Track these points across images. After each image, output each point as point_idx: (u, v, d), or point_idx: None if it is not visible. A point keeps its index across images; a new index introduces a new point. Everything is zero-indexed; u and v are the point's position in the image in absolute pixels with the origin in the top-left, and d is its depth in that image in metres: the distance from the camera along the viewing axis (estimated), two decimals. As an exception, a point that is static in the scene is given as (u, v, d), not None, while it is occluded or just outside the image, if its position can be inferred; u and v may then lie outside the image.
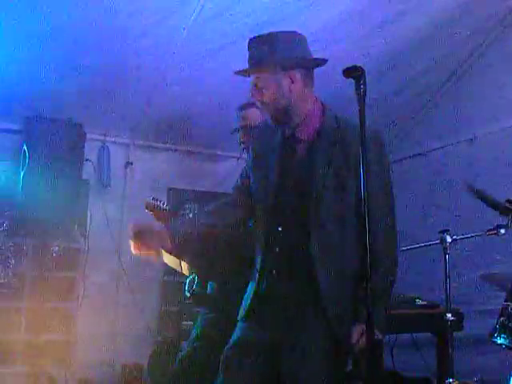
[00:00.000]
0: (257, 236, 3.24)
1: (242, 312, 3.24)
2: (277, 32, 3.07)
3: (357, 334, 2.92)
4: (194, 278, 4.47)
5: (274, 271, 3.11)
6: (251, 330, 3.18)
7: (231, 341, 3.23)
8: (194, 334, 4.26)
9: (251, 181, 3.31)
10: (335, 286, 3.00)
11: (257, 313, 3.18)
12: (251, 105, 4.26)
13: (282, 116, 3.11)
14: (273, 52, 3.03)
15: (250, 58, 3.09)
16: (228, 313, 3.82)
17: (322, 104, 3.23)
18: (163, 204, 3.83)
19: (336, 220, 3.02)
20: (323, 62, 3.18)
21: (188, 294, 4.53)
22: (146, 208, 3.81)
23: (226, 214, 3.35)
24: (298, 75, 3.08)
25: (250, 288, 3.23)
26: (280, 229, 3.10)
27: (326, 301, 2.97)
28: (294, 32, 3.13)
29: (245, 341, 3.18)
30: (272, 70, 3.04)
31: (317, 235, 3.00)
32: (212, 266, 4.06)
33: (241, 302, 3.30)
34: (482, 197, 4.28)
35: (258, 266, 3.19)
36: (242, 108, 4.37)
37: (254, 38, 3.09)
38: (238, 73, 3.13)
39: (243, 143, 4.34)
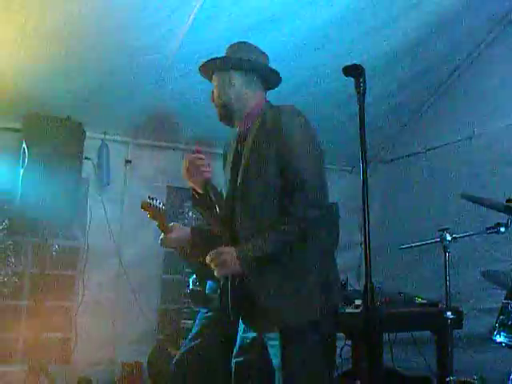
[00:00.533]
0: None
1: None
2: (235, 43, 3.50)
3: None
4: (195, 281, 4.49)
5: None
6: None
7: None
8: (192, 333, 4.26)
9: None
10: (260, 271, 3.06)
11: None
12: None
13: (224, 112, 3.38)
14: (223, 57, 3.41)
15: (209, 62, 3.44)
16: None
17: (264, 103, 3.38)
18: (159, 203, 3.84)
19: (257, 190, 3.11)
20: (270, 70, 3.39)
21: (188, 291, 4.54)
22: (142, 207, 3.82)
23: None
24: (236, 75, 3.34)
25: None
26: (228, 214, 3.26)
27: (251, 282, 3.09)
28: (247, 43, 3.49)
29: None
30: (217, 69, 3.41)
31: (241, 211, 3.16)
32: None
33: None
34: (479, 201, 4.30)
35: None
36: None
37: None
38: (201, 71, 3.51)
39: None
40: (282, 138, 3.05)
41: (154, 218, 3.84)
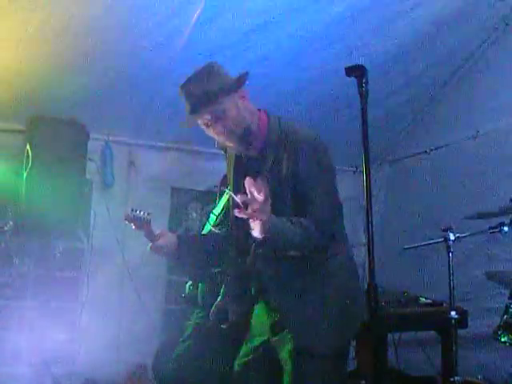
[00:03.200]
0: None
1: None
2: (202, 67, 3.18)
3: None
4: (190, 285, 4.51)
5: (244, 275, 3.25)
6: None
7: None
8: (186, 333, 4.29)
9: None
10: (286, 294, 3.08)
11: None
12: None
13: (246, 138, 3.11)
14: (214, 81, 3.08)
15: (198, 97, 3.06)
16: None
17: (265, 115, 3.23)
18: (143, 213, 3.88)
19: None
20: (247, 74, 3.18)
21: (183, 295, 4.57)
22: (126, 219, 3.86)
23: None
24: (243, 92, 3.14)
25: None
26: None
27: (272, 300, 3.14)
28: (209, 63, 3.21)
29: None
30: (224, 93, 3.05)
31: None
32: (203, 266, 4.10)
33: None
34: (484, 216, 4.31)
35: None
36: None
37: (185, 82, 3.15)
38: (190, 123, 3.20)
39: (224, 150, 4.37)
40: (302, 168, 2.98)
41: (139, 228, 3.88)
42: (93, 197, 6.26)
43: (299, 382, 3.01)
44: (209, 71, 3.12)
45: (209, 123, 3.07)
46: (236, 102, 3.08)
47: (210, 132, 3.13)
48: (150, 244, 3.89)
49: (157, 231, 3.94)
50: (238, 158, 3.28)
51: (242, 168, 3.24)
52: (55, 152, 5.48)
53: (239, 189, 3.08)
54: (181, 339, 4.30)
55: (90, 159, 5.98)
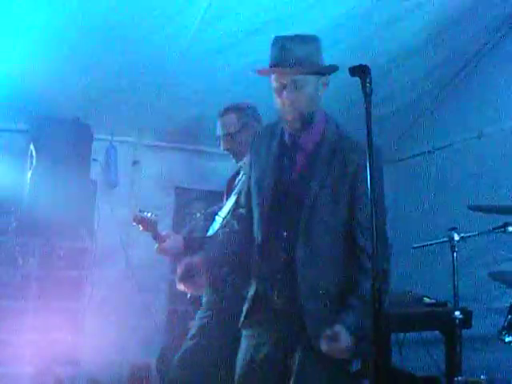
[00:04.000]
0: (254, 240, 3.19)
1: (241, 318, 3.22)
2: (310, 34, 3.03)
3: (325, 336, 2.79)
4: None
5: (266, 277, 3.09)
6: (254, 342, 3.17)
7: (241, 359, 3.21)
8: (190, 333, 4.28)
9: (251, 186, 3.25)
10: (315, 296, 2.96)
11: (255, 320, 3.17)
12: (229, 111, 4.26)
13: (304, 121, 3.02)
14: (318, 54, 3.00)
15: (295, 56, 2.91)
16: (222, 311, 3.86)
17: (325, 112, 3.17)
18: (150, 215, 3.89)
19: (325, 231, 2.98)
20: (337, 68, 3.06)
21: (188, 296, 4.57)
22: (134, 221, 3.87)
23: (236, 245, 3.38)
24: (326, 81, 3.06)
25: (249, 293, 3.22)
26: (274, 235, 3.07)
27: (304, 312, 2.95)
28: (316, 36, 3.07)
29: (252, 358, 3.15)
30: (315, 71, 2.97)
31: (304, 244, 2.97)
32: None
33: (235, 300, 3.39)
34: (487, 209, 4.30)
35: (253, 271, 3.19)
36: (221, 115, 4.33)
37: (291, 36, 2.97)
38: (264, 72, 3.04)
39: (228, 150, 4.35)
40: (361, 180, 2.81)
41: (146, 229, 3.90)
42: (97, 197, 6.25)
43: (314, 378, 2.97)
44: (316, 40, 3.02)
45: (285, 85, 2.94)
46: (317, 86, 3.01)
47: (278, 96, 2.99)
48: (157, 246, 3.91)
49: (163, 233, 3.96)
50: (282, 146, 3.14)
51: (288, 157, 3.11)
52: (59, 152, 5.49)
53: (278, 178, 3.07)
54: (186, 338, 4.30)
55: (94, 159, 5.98)
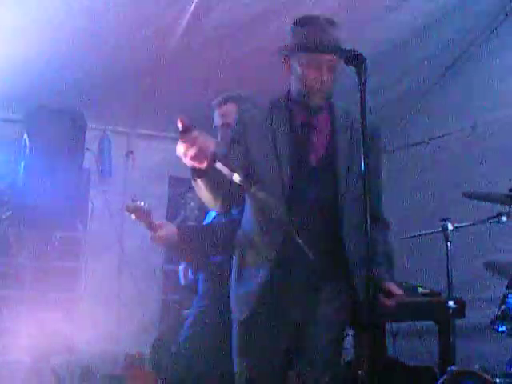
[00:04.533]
0: (265, 216, 3.11)
1: (245, 310, 3.16)
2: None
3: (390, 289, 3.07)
4: (187, 267, 4.49)
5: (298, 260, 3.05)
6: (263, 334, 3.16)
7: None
8: (187, 323, 4.27)
9: (251, 152, 3.18)
10: (358, 256, 2.99)
11: (270, 304, 3.12)
12: (227, 101, 4.21)
13: (327, 100, 3.12)
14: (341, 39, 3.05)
15: (334, 40, 3.00)
16: (219, 300, 3.85)
17: None
18: (143, 204, 3.90)
19: (355, 199, 3.01)
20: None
21: (183, 283, 4.56)
22: (127, 210, 3.87)
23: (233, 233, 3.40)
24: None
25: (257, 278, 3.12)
26: (301, 219, 3.06)
27: (353, 270, 3.09)
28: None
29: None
30: (338, 56, 2.98)
31: (345, 212, 3.08)
32: (204, 255, 4.10)
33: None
34: (481, 197, 4.31)
35: (273, 250, 3.09)
36: (219, 105, 4.24)
37: (326, 18, 3.04)
38: (318, 50, 3.00)
39: (223, 140, 4.32)
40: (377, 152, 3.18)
41: (139, 218, 3.90)
42: (91, 186, 6.26)
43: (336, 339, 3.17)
44: (338, 26, 3.08)
45: (314, 66, 2.99)
46: (338, 67, 3.03)
47: (301, 75, 3.03)
48: (151, 235, 3.91)
49: (157, 222, 3.96)
50: (293, 126, 3.16)
51: (303, 139, 3.14)
52: (53, 142, 5.47)
53: (295, 159, 3.09)
54: (183, 328, 4.29)
55: (87, 149, 5.96)
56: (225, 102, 4.19)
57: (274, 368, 3.14)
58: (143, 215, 3.89)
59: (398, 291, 3.07)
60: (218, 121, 4.24)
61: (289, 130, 3.13)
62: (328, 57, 2.97)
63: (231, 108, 4.15)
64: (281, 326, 3.11)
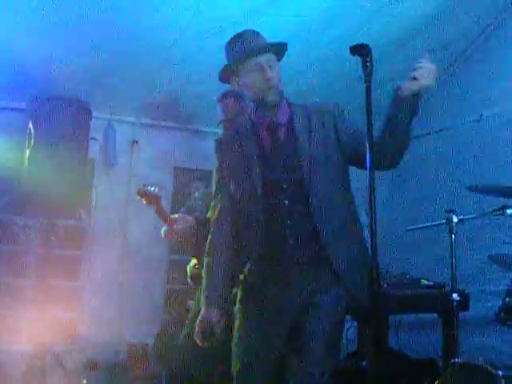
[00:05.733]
0: (251, 217, 3.30)
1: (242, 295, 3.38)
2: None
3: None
4: (195, 264, 4.49)
5: (282, 241, 3.22)
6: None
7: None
8: (192, 313, 4.28)
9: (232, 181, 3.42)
10: (338, 241, 3.20)
11: (261, 291, 3.28)
12: (225, 96, 4.26)
13: (280, 95, 3.30)
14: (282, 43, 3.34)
15: (263, 44, 3.30)
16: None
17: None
18: (154, 189, 3.91)
19: (327, 182, 3.21)
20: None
21: (189, 280, 4.57)
22: (138, 194, 3.89)
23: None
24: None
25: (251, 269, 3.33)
26: (284, 202, 3.22)
27: (333, 258, 3.16)
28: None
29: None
30: (280, 54, 3.35)
31: (315, 200, 3.18)
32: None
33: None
34: (486, 190, 4.30)
35: (257, 244, 3.27)
36: (220, 100, 4.34)
37: (248, 30, 3.37)
38: (255, 53, 3.27)
39: None
40: (340, 117, 3.28)
41: (149, 202, 3.92)
42: (95, 176, 6.27)
43: (331, 331, 3.13)
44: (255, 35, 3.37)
45: (259, 68, 3.23)
46: (279, 68, 3.32)
47: (252, 81, 3.29)
48: (164, 228, 3.93)
49: (174, 216, 3.98)
50: (255, 127, 3.38)
51: (266, 134, 3.35)
52: (58, 131, 5.48)
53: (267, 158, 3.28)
54: (187, 320, 4.30)
55: (92, 138, 5.97)
56: (224, 97, 4.27)
57: (267, 354, 3.22)
58: (153, 199, 3.91)
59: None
60: (219, 115, 4.29)
61: (255, 135, 3.37)
62: (265, 57, 3.25)
63: (230, 103, 4.23)
64: (270, 313, 3.23)
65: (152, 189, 3.92)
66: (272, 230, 3.22)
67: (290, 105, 3.36)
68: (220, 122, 4.36)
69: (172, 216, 4.06)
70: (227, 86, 4.29)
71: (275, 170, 3.25)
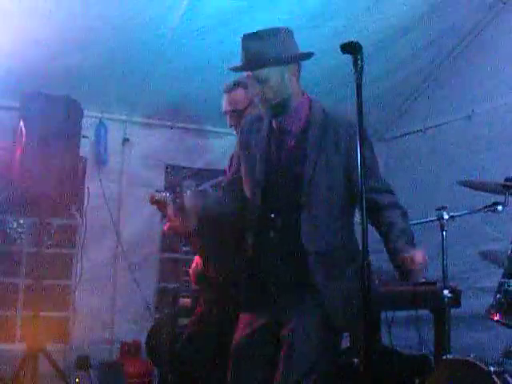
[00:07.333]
0: (248, 222, 3.33)
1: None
2: (270, 28, 3.16)
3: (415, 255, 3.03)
4: (196, 265, 4.49)
5: (269, 255, 3.21)
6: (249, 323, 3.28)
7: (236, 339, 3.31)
8: (191, 319, 4.29)
9: (242, 171, 3.42)
10: (324, 266, 3.12)
11: (254, 299, 3.29)
12: (237, 86, 4.17)
13: (280, 108, 3.19)
14: (276, 46, 3.12)
15: (251, 54, 3.12)
16: (227, 293, 3.85)
17: (309, 97, 3.32)
18: (165, 194, 3.89)
19: (324, 203, 3.15)
20: (310, 55, 3.23)
21: (194, 283, 4.56)
22: (150, 201, 3.86)
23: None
24: (295, 69, 3.20)
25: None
26: (273, 215, 3.20)
27: (317, 282, 3.10)
28: (283, 27, 3.21)
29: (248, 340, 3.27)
30: (274, 63, 3.11)
31: (307, 219, 3.12)
32: (213, 247, 4.10)
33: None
34: (477, 186, 4.31)
35: (250, 252, 3.30)
36: (228, 91, 4.22)
37: (249, 34, 3.14)
38: (236, 69, 3.22)
39: (233, 126, 4.28)
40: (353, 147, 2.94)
41: (161, 210, 3.90)
42: (87, 174, 6.25)
43: (312, 353, 3.07)
44: (274, 34, 3.15)
45: (251, 81, 3.21)
46: (283, 75, 3.15)
47: (251, 89, 3.32)
48: (167, 223, 3.92)
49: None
50: (271, 131, 3.32)
51: (276, 141, 3.29)
52: (49, 129, 5.45)
53: (269, 160, 3.25)
54: (191, 320, 4.30)
55: (84, 136, 5.93)
56: (234, 87, 4.17)
57: (255, 341, 3.24)
58: (164, 207, 3.89)
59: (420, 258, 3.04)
60: (226, 106, 4.22)
61: (267, 140, 3.30)
62: (248, 73, 3.19)
63: (240, 93, 4.14)
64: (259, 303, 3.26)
65: (164, 194, 3.89)
66: (260, 242, 3.25)
67: (310, 106, 3.26)
68: (224, 113, 4.29)
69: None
70: (219, 83, 4.30)
71: (275, 179, 3.23)
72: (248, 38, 3.13)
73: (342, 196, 3.19)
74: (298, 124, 3.23)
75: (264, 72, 3.11)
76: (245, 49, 3.14)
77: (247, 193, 3.35)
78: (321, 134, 3.17)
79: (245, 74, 3.25)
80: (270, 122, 3.30)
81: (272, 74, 3.11)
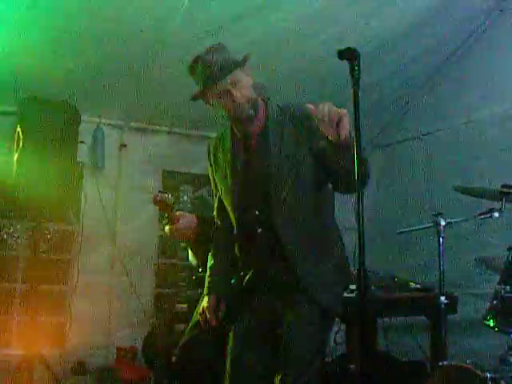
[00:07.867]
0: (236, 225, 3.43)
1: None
2: (213, 45, 3.32)
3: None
4: (198, 268, 4.50)
5: (258, 251, 3.31)
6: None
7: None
8: (194, 320, 4.28)
9: (219, 188, 3.52)
10: (305, 255, 3.22)
11: (249, 297, 3.39)
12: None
13: (253, 110, 3.23)
14: (228, 54, 3.28)
15: (220, 63, 3.20)
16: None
17: (262, 97, 3.39)
18: (168, 196, 3.91)
19: (295, 195, 3.21)
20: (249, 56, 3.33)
21: (194, 278, 4.57)
22: (153, 200, 3.87)
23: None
24: (248, 70, 3.28)
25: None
26: (257, 212, 3.30)
27: (299, 274, 3.19)
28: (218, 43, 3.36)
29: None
30: (239, 64, 3.22)
31: (279, 212, 3.21)
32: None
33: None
34: (472, 192, 4.32)
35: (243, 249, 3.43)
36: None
37: (204, 53, 3.27)
38: (208, 84, 3.25)
39: None
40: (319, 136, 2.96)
41: (163, 210, 3.92)
42: (84, 179, 6.25)
43: (305, 339, 3.16)
44: (222, 46, 3.30)
45: (223, 93, 3.19)
46: (245, 76, 3.23)
47: (221, 104, 3.24)
48: (168, 227, 3.93)
49: (176, 213, 3.99)
50: (235, 138, 3.41)
51: (242, 146, 3.37)
52: (46, 134, 5.45)
53: (239, 168, 3.34)
54: (189, 326, 4.30)
55: (81, 141, 5.95)
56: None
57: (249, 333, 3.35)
58: (167, 207, 3.91)
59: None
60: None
61: (228, 148, 3.42)
62: (215, 86, 3.21)
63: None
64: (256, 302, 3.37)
65: (167, 196, 3.91)
66: (248, 241, 3.36)
67: (265, 108, 3.34)
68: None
69: (175, 214, 4.05)
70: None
71: (247, 181, 3.31)
72: (203, 57, 3.24)
73: (312, 183, 3.24)
74: (258, 124, 3.30)
75: (235, 74, 3.18)
76: (209, 64, 3.20)
77: (226, 202, 3.44)
78: (280, 129, 3.24)
79: (213, 95, 3.26)
80: (232, 136, 3.40)
81: (240, 75, 3.20)
